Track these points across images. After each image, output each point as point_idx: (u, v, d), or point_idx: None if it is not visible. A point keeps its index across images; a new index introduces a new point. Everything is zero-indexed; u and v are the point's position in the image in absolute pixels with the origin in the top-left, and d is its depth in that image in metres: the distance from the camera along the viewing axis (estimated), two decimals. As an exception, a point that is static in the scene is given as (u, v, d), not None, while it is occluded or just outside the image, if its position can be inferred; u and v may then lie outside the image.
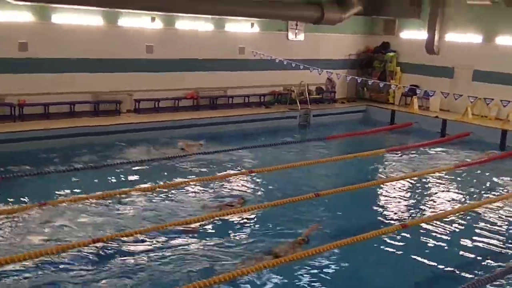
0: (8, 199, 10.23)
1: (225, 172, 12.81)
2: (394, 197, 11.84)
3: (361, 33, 22.96)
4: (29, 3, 14.44)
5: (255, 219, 9.96)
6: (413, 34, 21.68)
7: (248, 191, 11.69)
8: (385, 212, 10.84)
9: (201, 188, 11.58)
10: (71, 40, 15.93)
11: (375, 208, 11.14)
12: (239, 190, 11.63)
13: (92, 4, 15.20)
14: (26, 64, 15.31)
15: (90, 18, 16.14)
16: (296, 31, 20.79)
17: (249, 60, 19.35)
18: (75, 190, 10.96)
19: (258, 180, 12.48)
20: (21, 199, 10.27)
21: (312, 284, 7.77)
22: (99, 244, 8.45)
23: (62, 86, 15.98)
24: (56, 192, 10.89)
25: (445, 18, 20.14)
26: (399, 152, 15.76)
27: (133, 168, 12.84)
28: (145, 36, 17.34)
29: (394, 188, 12.39)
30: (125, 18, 16.73)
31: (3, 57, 14.95)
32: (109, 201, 10.49)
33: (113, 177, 12.09)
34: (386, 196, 11.95)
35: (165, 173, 12.44)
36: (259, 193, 11.62)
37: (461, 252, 9.11)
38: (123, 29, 16.88)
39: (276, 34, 20.30)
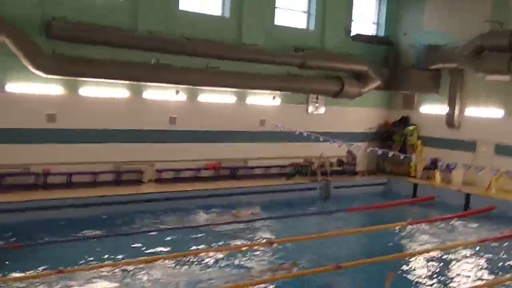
0: (28, 266, 10.25)
1: (243, 242, 12.70)
2: (416, 271, 11.53)
3: (381, 107, 23.25)
4: (58, 77, 15.16)
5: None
6: (433, 108, 21.86)
7: (267, 262, 11.52)
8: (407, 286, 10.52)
9: (219, 258, 11.48)
10: (96, 112, 16.42)
11: (397, 281, 10.81)
12: (257, 262, 11.47)
13: (116, 78, 15.95)
14: (52, 134, 15.78)
15: (116, 91, 16.70)
16: (317, 104, 21.18)
17: (270, 132, 19.62)
18: (92, 258, 10.95)
19: (278, 251, 12.31)
20: (40, 266, 10.27)
21: None
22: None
23: (85, 156, 16.32)
24: (74, 259, 10.87)
25: (464, 92, 20.36)
26: (421, 225, 15.48)
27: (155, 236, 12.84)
28: (169, 108, 17.82)
29: (416, 262, 12.08)
30: (150, 90, 17.27)
31: (31, 127, 15.44)
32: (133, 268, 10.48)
33: (135, 244, 12.09)
34: (408, 269, 11.64)
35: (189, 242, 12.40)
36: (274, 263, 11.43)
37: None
38: (148, 101, 17.38)
39: (297, 107, 20.67)
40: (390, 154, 16.66)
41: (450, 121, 20.68)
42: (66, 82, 15.71)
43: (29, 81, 15.04)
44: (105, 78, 15.74)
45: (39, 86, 15.31)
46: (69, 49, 15.07)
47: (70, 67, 15.00)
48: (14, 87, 14.99)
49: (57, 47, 14.86)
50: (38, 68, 14.44)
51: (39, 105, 15.45)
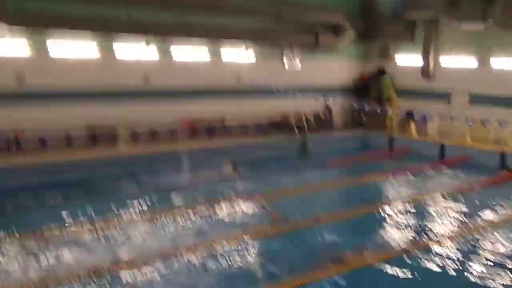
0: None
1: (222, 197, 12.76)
2: (396, 221, 11.68)
3: (357, 59, 23.10)
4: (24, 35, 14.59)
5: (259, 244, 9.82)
6: (408, 59, 21.81)
7: (250, 217, 11.56)
8: (386, 237, 10.66)
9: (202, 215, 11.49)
10: (67, 71, 15.94)
11: (377, 233, 10.96)
12: (238, 219, 11.50)
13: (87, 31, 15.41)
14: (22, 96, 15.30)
15: (87, 50, 16.18)
16: (292, 59, 20.89)
17: (246, 89, 19.39)
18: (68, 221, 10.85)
19: (262, 205, 12.34)
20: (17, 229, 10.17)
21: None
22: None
23: (58, 118, 15.91)
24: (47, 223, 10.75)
25: (439, 42, 20.27)
26: (399, 176, 15.66)
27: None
28: (142, 66, 17.39)
29: (396, 213, 12.24)
30: (121, 47, 16.78)
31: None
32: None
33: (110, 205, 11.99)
34: (386, 219, 11.79)
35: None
36: (261, 218, 11.47)
37: (466, 275, 8.93)
38: (119, 60, 16.91)
39: (272, 63, 20.37)
40: (366, 108, 16.65)
41: (425, 71, 20.67)
42: (34, 40, 15.14)
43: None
44: (74, 31, 15.19)
45: (5, 46, 14.72)
46: (34, 6, 14.46)
47: (37, 22, 14.43)
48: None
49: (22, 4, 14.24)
50: (4, 23, 13.84)
51: (6, 65, 14.91)
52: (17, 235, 10.00)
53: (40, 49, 15.44)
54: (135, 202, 12.38)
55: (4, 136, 15.06)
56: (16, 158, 14.71)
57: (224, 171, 15.81)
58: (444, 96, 20.32)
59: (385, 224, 11.49)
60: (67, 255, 9.27)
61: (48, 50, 15.61)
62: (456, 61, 20.00)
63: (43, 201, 12.41)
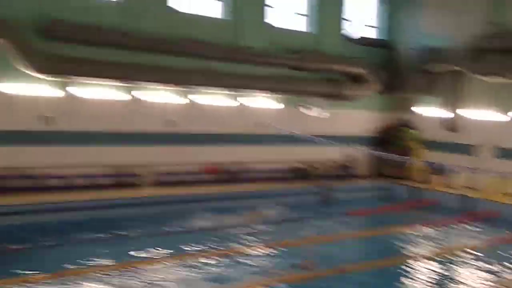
0: (27, 268, 10.15)
1: (244, 245, 12.58)
2: (420, 275, 11.36)
3: (380, 110, 23.12)
4: (54, 78, 15.02)
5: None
6: (431, 111, 21.76)
7: (268, 264, 11.36)
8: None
9: (222, 261, 11.34)
10: (93, 114, 16.32)
11: (400, 285, 10.66)
12: (259, 266, 11.31)
13: (114, 78, 15.84)
14: (49, 136, 15.61)
15: (112, 93, 16.60)
16: (316, 108, 21.03)
17: (270, 136, 19.45)
18: (91, 260, 10.80)
19: (278, 253, 12.15)
20: (39, 268, 10.16)
21: None
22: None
23: (84, 159, 16.17)
24: (73, 262, 10.72)
25: (463, 95, 20.23)
26: (423, 228, 15.34)
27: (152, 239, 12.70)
28: (168, 110, 17.70)
29: (420, 266, 11.92)
30: (146, 92, 17.16)
31: (27, 129, 15.29)
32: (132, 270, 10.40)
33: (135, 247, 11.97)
34: (411, 274, 11.47)
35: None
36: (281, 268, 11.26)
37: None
38: (144, 104, 17.24)
39: (296, 110, 20.53)
40: (390, 157, 16.55)
41: (449, 124, 20.58)
42: (64, 84, 15.60)
43: (26, 83, 14.93)
44: (101, 78, 15.62)
45: (36, 88, 15.20)
46: (65, 49, 14.95)
47: (67, 67, 14.89)
48: (10, 88, 14.86)
49: (54, 48, 14.73)
50: (35, 69, 14.29)
51: (36, 107, 15.30)
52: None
53: (68, 91, 15.82)
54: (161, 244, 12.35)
55: (32, 175, 15.26)
56: (42, 196, 14.86)
57: (244, 217, 15.68)
58: (469, 149, 20.10)
59: (408, 278, 11.18)
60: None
61: (76, 93, 15.98)
62: (481, 114, 19.87)
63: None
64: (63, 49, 14.93)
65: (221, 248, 12.28)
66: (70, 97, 15.90)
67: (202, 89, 17.81)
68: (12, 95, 14.94)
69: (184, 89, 17.57)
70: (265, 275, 10.62)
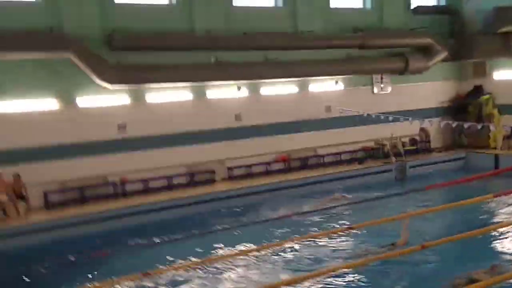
0: (115, 272, 10.54)
1: (324, 231, 12.53)
2: (506, 244, 10.91)
3: (451, 79, 22.28)
4: (124, 87, 15.59)
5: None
6: (507, 74, 20.68)
7: (347, 247, 11.30)
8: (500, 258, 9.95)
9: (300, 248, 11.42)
10: (163, 117, 16.76)
11: (487, 255, 10.27)
12: (339, 248, 11.28)
13: (179, 81, 16.22)
14: (125, 143, 16.24)
15: (180, 94, 16.97)
16: (382, 84, 20.60)
17: (337, 118, 19.27)
18: (176, 259, 11.13)
19: (358, 236, 12.05)
20: (126, 270, 10.50)
21: None
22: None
23: (159, 161, 16.68)
24: (159, 262, 11.09)
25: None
26: (507, 197, 14.65)
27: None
28: (233, 105, 17.90)
29: (505, 235, 11.43)
30: (212, 90, 17.43)
31: (104, 139, 15.96)
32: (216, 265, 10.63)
33: (216, 242, 12.24)
34: (496, 243, 11.03)
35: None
36: (358, 248, 11.17)
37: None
38: (212, 101, 17.55)
39: (361, 89, 20.20)
40: (466, 125, 15.88)
41: (527, 84, 19.49)
42: (132, 91, 16.17)
43: (98, 94, 15.59)
44: (168, 82, 16.07)
45: (107, 98, 15.83)
46: (131, 58, 15.47)
47: (134, 76, 15.42)
48: (84, 101, 15.61)
49: (120, 58, 15.28)
50: (104, 80, 14.90)
51: (109, 117, 15.97)
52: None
53: (138, 98, 16.38)
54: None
55: (111, 181, 15.99)
56: (123, 201, 15.53)
57: (323, 202, 15.64)
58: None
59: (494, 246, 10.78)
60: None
61: (146, 98, 16.51)
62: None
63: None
64: (128, 57, 15.43)
65: (300, 235, 12.30)
66: (142, 104, 16.45)
67: (266, 80, 17.86)
68: (87, 107, 15.64)
69: (249, 82, 17.71)
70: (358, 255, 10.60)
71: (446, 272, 9.49)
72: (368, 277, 9.59)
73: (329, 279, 9.49)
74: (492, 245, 10.99)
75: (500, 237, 11.35)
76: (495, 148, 20.35)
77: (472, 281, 8.57)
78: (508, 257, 10.28)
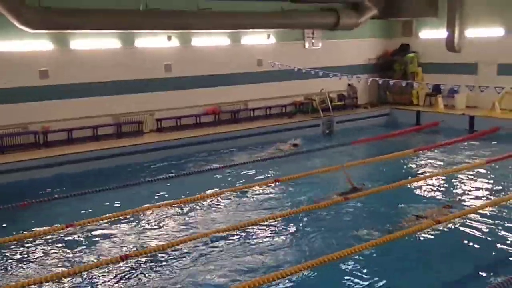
0: (36, 223, 10.28)
1: (251, 183, 12.66)
2: (426, 196, 11.50)
3: (379, 36, 22.74)
4: (45, 31, 14.71)
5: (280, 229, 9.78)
6: (432, 33, 21.34)
7: (274, 199, 11.51)
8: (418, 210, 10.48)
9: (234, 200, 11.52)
10: (89, 64, 16.10)
11: (407, 206, 10.78)
12: (267, 199, 11.47)
13: (105, 28, 15.46)
14: (47, 91, 15.52)
15: (107, 42, 16.31)
16: (313, 40, 20.69)
17: (268, 72, 19.29)
18: (101, 211, 10.93)
19: (283, 188, 12.28)
20: (49, 222, 10.25)
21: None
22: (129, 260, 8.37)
23: (84, 111, 16.11)
24: (82, 213, 10.87)
25: (464, 13, 19.72)
26: (427, 151, 15.40)
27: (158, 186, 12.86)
28: (163, 55, 17.44)
29: (426, 187, 12.04)
30: (141, 39, 16.86)
31: (25, 85, 15.17)
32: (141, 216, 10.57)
33: (142, 194, 12.14)
34: (417, 195, 11.60)
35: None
36: (286, 201, 11.40)
37: (498, 246, 8.74)
38: (140, 50, 17.00)
39: (293, 44, 20.23)
40: (391, 82, 16.40)
41: (450, 44, 20.16)
42: (56, 36, 15.36)
43: (18, 38, 14.67)
44: (94, 29, 15.27)
45: (28, 43, 14.94)
46: (54, 1, 14.56)
47: (57, 20, 14.49)
48: (2, 45, 14.64)
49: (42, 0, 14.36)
50: (23, 24, 13.94)
51: (30, 62, 15.14)
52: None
53: (62, 44, 15.60)
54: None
55: (32, 130, 15.32)
56: (44, 152, 14.97)
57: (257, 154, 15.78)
58: (471, 68, 19.84)
59: (413, 199, 11.34)
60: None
61: (70, 44, 15.75)
62: (482, 32, 19.45)
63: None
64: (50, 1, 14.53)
65: (226, 187, 12.39)
66: (66, 50, 15.69)
67: (198, 30, 17.42)
68: (5, 52, 14.73)
69: (180, 32, 17.23)
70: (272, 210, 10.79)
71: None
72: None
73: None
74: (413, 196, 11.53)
75: (419, 189, 11.93)
76: (417, 105, 21.19)
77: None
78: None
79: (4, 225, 10.43)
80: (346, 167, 12.49)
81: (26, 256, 8.92)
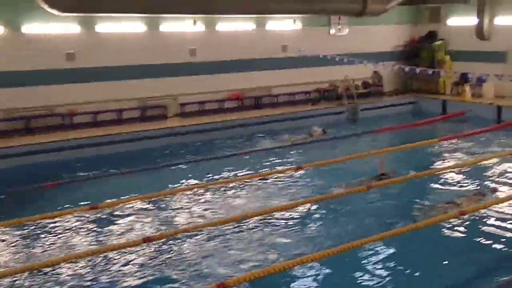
0: (62, 204, 10.45)
1: (274, 169, 12.64)
2: (452, 184, 11.34)
3: (406, 23, 22.36)
4: (75, 14, 14.79)
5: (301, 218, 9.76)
6: (461, 20, 20.88)
7: (297, 187, 11.48)
8: (443, 199, 10.33)
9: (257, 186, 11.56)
10: (115, 48, 16.20)
11: (432, 196, 10.65)
12: (288, 188, 11.44)
13: (135, 12, 15.49)
14: (74, 74, 15.67)
15: (133, 26, 16.37)
16: (339, 26, 20.46)
17: (293, 58, 19.16)
18: (126, 193, 11.04)
19: (307, 175, 12.24)
20: (75, 203, 10.42)
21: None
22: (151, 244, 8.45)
23: (109, 94, 16.25)
24: (108, 195, 10.98)
25: (494, 0, 19.28)
26: (453, 140, 15.16)
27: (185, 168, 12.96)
28: (187, 39, 17.44)
29: (451, 176, 11.87)
30: (166, 23, 16.88)
31: (52, 68, 15.34)
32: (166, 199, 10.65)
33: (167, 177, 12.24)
34: (443, 184, 11.44)
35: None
36: (309, 189, 11.35)
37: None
38: (165, 34, 17.03)
39: (319, 30, 20.03)
40: (417, 70, 16.14)
41: (479, 32, 19.73)
42: (83, 19, 15.46)
43: (45, 21, 14.80)
44: (120, 13, 15.30)
45: (55, 25, 15.09)
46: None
47: (85, 3, 14.56)
48: (30, 28, 14.84)
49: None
50: (52, 6, 14.04)
51: (57, 45, 15.31)
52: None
53: (88, 27, 15.71)
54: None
55: (59, 113, 15.52)
56: (71, 133, 15.16)
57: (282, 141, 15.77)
58: (500, 56, 19.42)
59: (438, 187, 11.19)
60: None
61: (96, 28, 15.85)
62: (512, 19, 19.00)
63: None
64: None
65: (250, 173, 12.40)
66: (92, 33, 15.81)
67: (222, 15, 17.36)
68: (33, 34, 14.90)
69: (205, 17, 17.20)
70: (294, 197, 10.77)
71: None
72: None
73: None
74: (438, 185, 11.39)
75: (444, 178, 11.78)
76: (444, 93, 20.85)
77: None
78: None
79: (31, 204, 10.60)
80: (371, 154, 12.39)
81: (49, 235, 9.06)
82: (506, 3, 19.01)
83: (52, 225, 9.45)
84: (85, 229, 9.31)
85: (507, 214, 9.43)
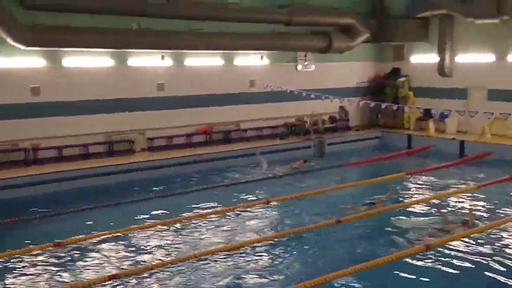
0: (24, 241, 10.12)
1: (243, 203, 12.59)
2: (417, 219, 11.46)
3: (371, 60, 22.94)
4: (38, 48, 14.69)
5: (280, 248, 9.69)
6: (423, 58, 21.56)
7: (265, 221, 11.43)
8: (408, 235, 10.43)
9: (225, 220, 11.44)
10: (82, 82, 16.09)
11: (397, 230, 10.74)
12: (256, 222, 11.38)
13: (99, 46, 15.48)
14: (38, 108, 15.44)
15: (100, 60, 16.32)
16: (306, 62, 20.83)
17: (261, 93, 19.37)
18: (91, 229, 10.79)
19: (276, 210, 12.22)
20: (37, 240, 10.12)
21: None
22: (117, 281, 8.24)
23: (75, 129, 16.04)
24: (72, 231, 10.71)
25: (455, 39, 20.02)
26: (418, 175, 15.42)
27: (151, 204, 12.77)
28: (156, 74, 17.47)
29: (416, 211, 12.01)
30: (134, 57, 16.90)
31: (17, 102, 15.10)
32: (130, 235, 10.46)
33: (131, 213, 12.02)
34: (408, 218, 11.56)
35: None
36: (277, 222, 11.33)
37: (490, 271, 8.70)
38: (133, 69, 17.03)
39: (286, 66, 20.35)
40: (383, 106, 16.50)
41: (441, 69, 20.41)
42: (48, 53, 15.36)
43: (10, 55, 14.65)
44: (87, 47, 15.30)
45: (20, 59, 14.93)
46: (48, 19, 14.59)
47: (51, 38, 14.52)
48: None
49: (36, 18, 14.38)
50: (17, 40, 13.94)
51: (22, 79, 15.11)
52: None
53: (54, 61, 15.59)
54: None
55: (22, 147, 15.20)
56: (34, 169, 14.82)
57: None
58: (462, 93, 20.03)
59: (404, 222, 11.29)
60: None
61: (62, 62, 15.74)
62: (473, 57, 19.68)
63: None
64: (45, 18, 14.54)
65: (217, 207, 12.32)
66: (58, 67, 15.68)
67: (191, 51, 17.50)
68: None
69: (172, 52, 17.29)
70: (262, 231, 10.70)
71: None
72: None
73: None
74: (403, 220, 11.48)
75: (410, 213, 11.90)
76: (408, 128, 21.30)
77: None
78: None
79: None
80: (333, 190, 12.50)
81: (11, 273, 8.75)
82: (465, 41, 19.74)
83: (10, 264, 9.14)
84: (49, 266, 9.04)
85: (471, 246, 9.58)
